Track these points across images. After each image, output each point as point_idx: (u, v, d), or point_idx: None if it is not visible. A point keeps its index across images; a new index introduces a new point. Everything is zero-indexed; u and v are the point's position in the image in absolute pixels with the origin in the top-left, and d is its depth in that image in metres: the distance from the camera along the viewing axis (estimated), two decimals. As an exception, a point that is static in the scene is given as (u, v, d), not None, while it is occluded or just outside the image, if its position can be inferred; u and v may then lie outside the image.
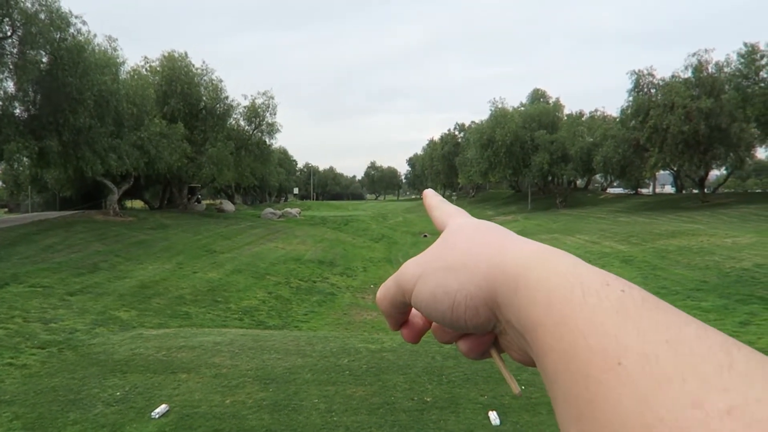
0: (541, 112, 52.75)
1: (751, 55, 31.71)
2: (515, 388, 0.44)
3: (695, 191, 47.55)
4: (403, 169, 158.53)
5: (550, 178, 57.80)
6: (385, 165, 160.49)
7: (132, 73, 30.89)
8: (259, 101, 39.11)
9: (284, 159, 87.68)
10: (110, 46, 26.33)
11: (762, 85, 31.02)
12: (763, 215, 27.78)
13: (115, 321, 11.76)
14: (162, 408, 6.42)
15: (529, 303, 0.34)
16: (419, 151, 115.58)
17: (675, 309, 0.30)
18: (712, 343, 0.26)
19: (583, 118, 51.82)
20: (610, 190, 64.43)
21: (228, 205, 47.74)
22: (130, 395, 6.92)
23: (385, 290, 0.47)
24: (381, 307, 0.48)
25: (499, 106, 54.27)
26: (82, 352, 8.94)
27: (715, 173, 52.23)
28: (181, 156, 31.41)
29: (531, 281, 0.35)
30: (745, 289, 13.03)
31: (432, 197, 0.58)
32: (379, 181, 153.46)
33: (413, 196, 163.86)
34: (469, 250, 0.42)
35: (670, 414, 0.24)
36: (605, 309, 0.30)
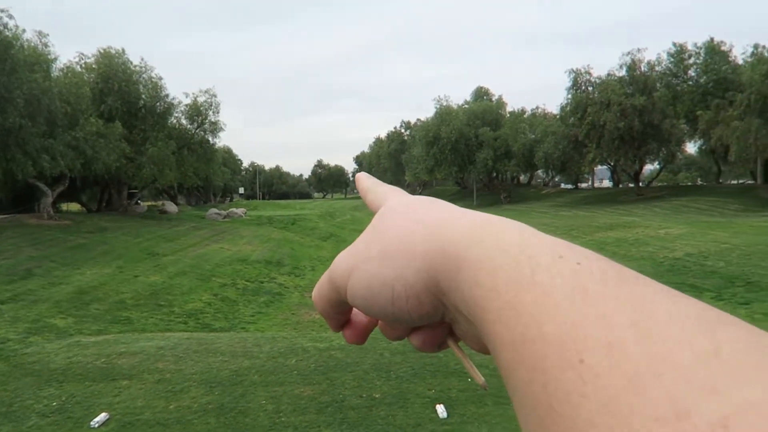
0: (485, 110, 53.79)
1: (680, 54, 33.34)
2: (479, 379, 0.39)
3: (631, 185, 49.58)
4: (350, 167, 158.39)
5: (494, 174, 59.07)
6: (332, 163, 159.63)
7: (65, 71, 29.70)
8: (201, 99, 38.26)
9: (229, 158, 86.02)
10: (40, 41, 25.21)
11: (690, 83, 32.65)
12: (693, 207, 29.23)
13: (51, 329, 11.27)
14: (102, 417, 6.20)
15: (472, 285, 0.29)
16: (366, 149, 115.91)
17: (642, 278, 0.26)
18: (690, 320, 0.21)
19: (525, 116, 53.16)
20: (564, 186, 66.20)
21: (171, 207, 46.49)
22: (68, 405, 6.65)
23: (319, 289, 0.42)
24: (318, 309, 0.43)
25: (444, 104, 55.05)
26: (15, 362, 8.53)
27: (649, 167, 54.62)
28: (119, 156, 30.39)
29: (472, 259, 0.29)
30: (677, 278, 13.68)
31: (364, 180, 0.52)
32: (327, 179, 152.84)
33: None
34: (403, 231, 0.36)
35: (646, 427, 0.18)
36: (559, 288, 0.25)
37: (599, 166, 50.50)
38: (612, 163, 46.90)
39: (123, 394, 6.97)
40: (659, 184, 56.86)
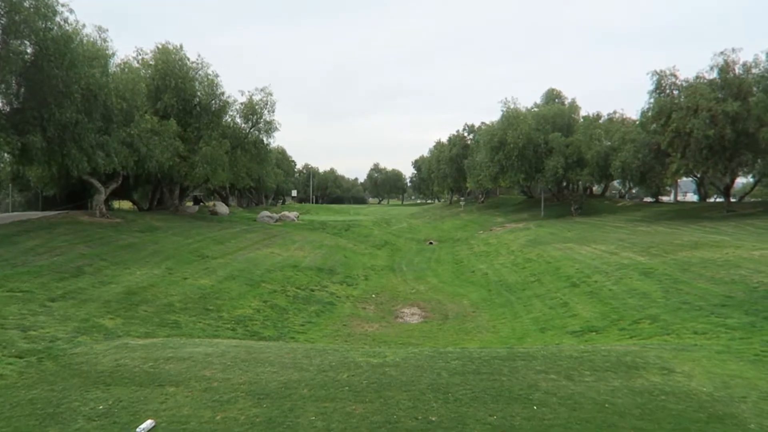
0: (556, 114, 52.72)
1: (781, 55, 31.60)
2: None
3: (720, 200, 47.30)
4: (408, 171, 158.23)
5: (564, 183, 57.74)
6: (389, 167, 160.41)
7: (122, 66, 30.98)
8: (256, 98, 39.26)
9: (282, 159, 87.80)
10: (99, 36, 26.39)
11: (793, 87, 30.89)
12: (793, 226, 27.64)
13: (99, 329, 11.72)
14: (148, 423, 6.36)
15: None
16: (425, 153, 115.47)
17: None
18: None
19: (600, 121, 51.73)
20: (647, 199, 64.07)
21: (222, 207, 47.80)
22: (114, 409, 6.86)
23: None
24: None
25: (511, 106, 54.21)
26: (63, 362, 8.89)
27: (742, 181, 52.03)
28: (173, 154, 31.46)
29: None
30: (774, 305, 12.91)
31: None
32: (383, 184, 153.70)
33: (419, 201, 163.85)
34: None
35: None
36: None
37: (683, 178, 48.49)
38: (698, 175, 44.92)
39: (169, 401, 7.14)
40: (753, 199, 54.16)
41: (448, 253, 37.90)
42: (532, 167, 50.97)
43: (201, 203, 49.22)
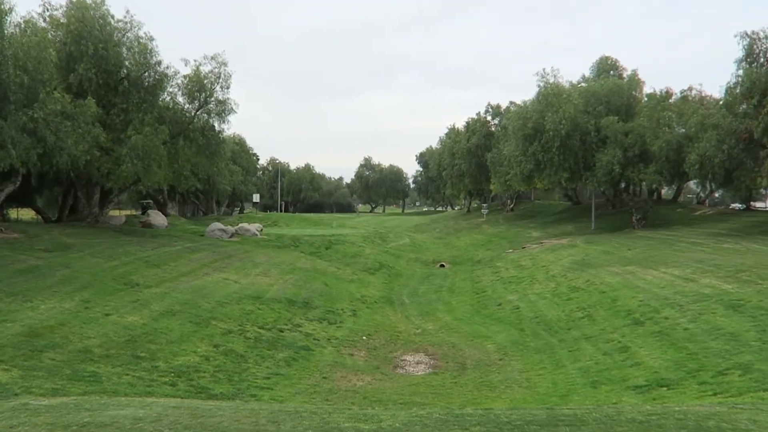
0: (611, 91, 52.94)
1: None
2: None
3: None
4: (411, 168, 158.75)
5: (623, 185, 57.82)
6: (385, 162, 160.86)
7: (24, 26, 30.88)
8: (205, 69, 39.29)
9: (240, 152, 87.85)
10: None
11: None
12: None
13: (-11, 384, 11.60)
14: None
15: None
16: (434, 144, 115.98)
17: None
18: None
19: (671, 100, 51.92)
20: (735, 206, 64.25)
21: (158, 218, 47.76)
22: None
23: None
24: None
25: (551, 80, 54.48)
26: (-60, 429, 8.79)
27: None
28: (91, 146, 31.40)
29: None
30: None
31: None
32: (377, 185, 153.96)
33: (425, 208, 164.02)
34: None
35: None
36: None
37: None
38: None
39: (84, 483, 7.05)
40: None
41: (465, 280, 37.92)
42: (579, 163, 51.09)
43: (146, 212, 48.80)
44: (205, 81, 39.12)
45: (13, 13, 27.99)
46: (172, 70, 37.99)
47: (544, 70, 57.22)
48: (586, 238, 45.44)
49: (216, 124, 41.28)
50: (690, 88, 52.45)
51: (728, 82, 39.68)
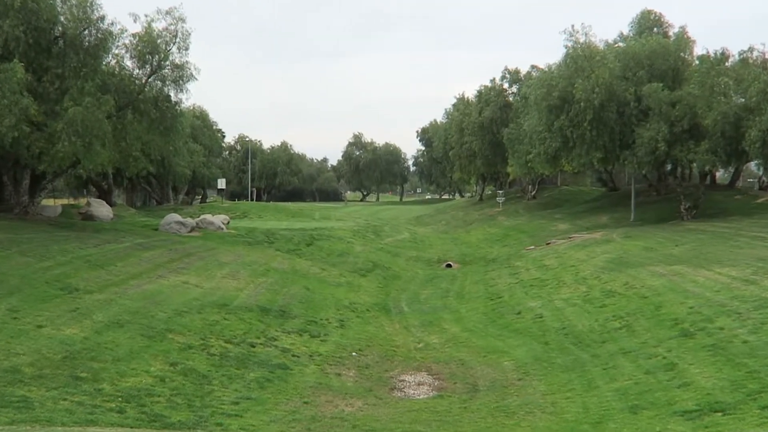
0: (655, 52, 52.84)
1: None
2: None
3: None
4: (411, 148, 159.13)
5: (669, 166, 57.83)
6: (379, 141, 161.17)
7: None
8: (159, 26, 39.16)
9: (202, 129, 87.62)
10: None
11: None
12: None
13: None
14: None
15: None
16: (439, 117, 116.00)
17: None
18: None
19: (727, 63, 51.84)
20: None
21: (101, 209, 47.65)
22: None
23: None
24: None
25: (582, 39, 54.43)
26: None
27: None
28: (19, 120, 31.26)
29: None
30: None
31: None
32: (369, 168, 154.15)
33: (428, 196, 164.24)
34: None
35: None
36: None
37: None
38: None
39: None
40: None
41: (477, 283, 37.98)
42: (616, 140, 51.10)
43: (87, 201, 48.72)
44: (159, 41, 38.94)
45: None
46: (119, 27, 37.84)
47: (573, 27, 57.22)
48: (623, 231, 45.50)
49: (172, 94, 41.19)
50: (751, 49, 52.13)
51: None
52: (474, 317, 29.24)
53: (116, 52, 38.80)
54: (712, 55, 52.42)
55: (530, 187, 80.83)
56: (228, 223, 51.03)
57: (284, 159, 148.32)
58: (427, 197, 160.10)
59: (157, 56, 39.24)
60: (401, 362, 22.26)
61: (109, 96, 36.32)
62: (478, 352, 23.04)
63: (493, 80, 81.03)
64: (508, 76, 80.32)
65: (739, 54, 52.24)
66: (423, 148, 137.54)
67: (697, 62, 53.39)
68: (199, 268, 31.33)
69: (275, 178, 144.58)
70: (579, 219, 59.77)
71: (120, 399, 14.96)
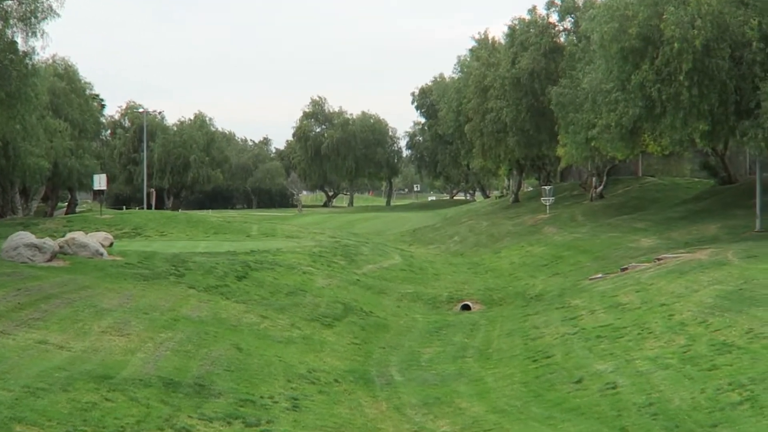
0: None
1: None
2: None
3: None
4: (402, 120, 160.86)
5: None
6: (351, 110, 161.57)
7: None
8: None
9: (69, 93, 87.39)
10: None
11: None
12: None
13: None
14: None
15: None
16: (448, 72, 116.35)
17: None
18: None
19: None
20: None
21: None
22: None
23: None
24: None
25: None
26: None
27: None
28: None
29: None
30: None
31: None
32: (335, 153, 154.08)
33: (431, 197, 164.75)
34: None
35: None
36: None
37: None
38: None
39: None
40: None
41: (511, 334, 38.03)
42: (729, 102, 51.21)
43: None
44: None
45: None
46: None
47: None
48: (744, 248, 45.54)
49: (19, 40, 41.25)
50: None
51: None
52: (507, 390, 29.14)
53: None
54: None
55: (594, 180, 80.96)
56: (111, 245, 50.98)
57: (201, 141, 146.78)
58: (429, 198, 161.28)
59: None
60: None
61: None
62: (513, 446, 23.03)
63: (533, 10, 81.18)
64: (558, 2, 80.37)
65: None
66: (422, 120, 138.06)
67: None
68: (64, 319, 31.10)
69: (186, 171, 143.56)
70: (673, 229, 59.93)
71: None
